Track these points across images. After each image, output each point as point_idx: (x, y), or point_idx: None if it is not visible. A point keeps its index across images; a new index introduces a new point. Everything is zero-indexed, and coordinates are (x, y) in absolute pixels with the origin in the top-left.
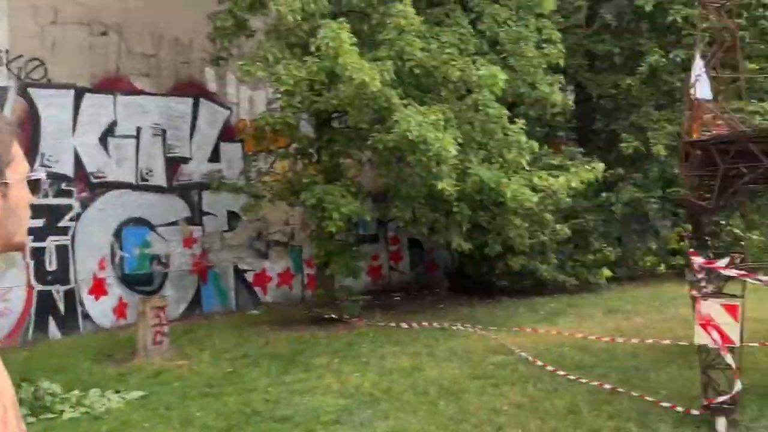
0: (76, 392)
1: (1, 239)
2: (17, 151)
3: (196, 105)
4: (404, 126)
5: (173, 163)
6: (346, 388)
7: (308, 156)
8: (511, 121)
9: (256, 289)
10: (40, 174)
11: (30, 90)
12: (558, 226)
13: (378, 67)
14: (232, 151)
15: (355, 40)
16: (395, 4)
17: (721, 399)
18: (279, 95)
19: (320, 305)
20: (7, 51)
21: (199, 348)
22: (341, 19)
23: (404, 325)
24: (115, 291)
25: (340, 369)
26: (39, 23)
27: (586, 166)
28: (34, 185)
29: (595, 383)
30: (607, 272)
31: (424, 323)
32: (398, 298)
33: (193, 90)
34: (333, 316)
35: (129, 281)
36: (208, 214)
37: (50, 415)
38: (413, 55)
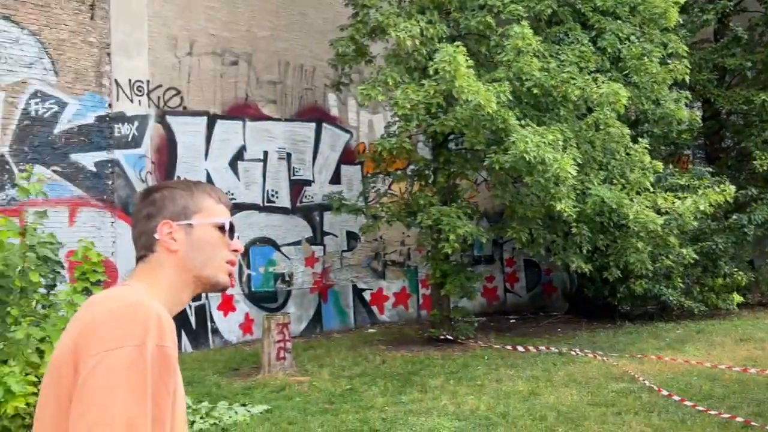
0: (205, 404)
1: (191, 270)
2: (209, 204)
3: (318, 129)
4: (521, 146)
5: (297, 185)
6: (461, 410)
7: (425, 177)
8: (634, 140)
9: (373, 308)
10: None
11: (168, 117)
12: (684, 250)
13: (495, 89)
14: (351, 173)
15: (471, 62)
16: (513, 26)
17: None
18: (397, 119)
19: (435, 325)
20: (148, 81)
21: (319, 365)
22: (458, 43)
23: (520, 349)
24: (242, 307)
25: (455, 390)
26: (177, 55)
27: (716, 188)
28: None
29: (726, 415)
30: (738, 298)
31: (541, 347)
32: (514, 320)
33: (315, 115)
34: (448, 336)
35: (255, 298)
36: (328, 234)
37: None
38: (532, 75)
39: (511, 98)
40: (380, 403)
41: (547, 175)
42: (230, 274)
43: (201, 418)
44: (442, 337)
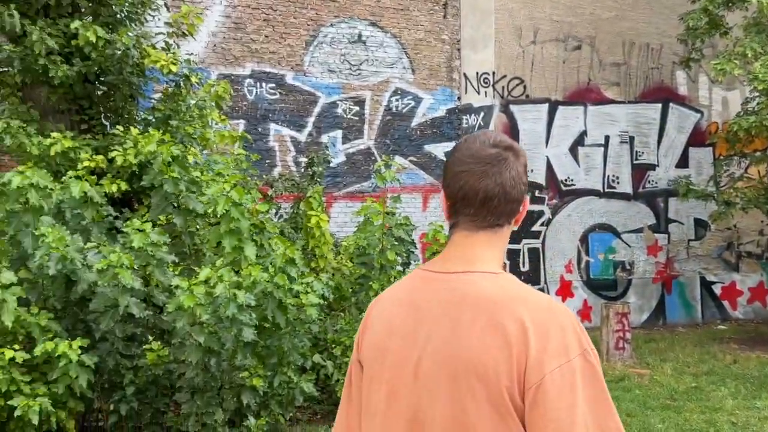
0: None
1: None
2: None
3: (664, 110)
4: None
5: (640, 170)
6: None
7: None
8: None
9: (724, 302)
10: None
11: (511, 106)
12: None
13: None
14: (701, 156)
15: None
16: None
17: None
18: (756, 94)
19: None
20: (493, 73)
21: (660, 358)
22: None
23: None
24: (581, 294)
25: None
26: (521, 44)
27: None
28: None
29: None
30: None
31: None
32: None
33: (662, 95)
34: None
35: (593, 285)
36: (673, 221)
37: None
38: None
39: None
40: (730, 406)
41: None
42: None
43: None
44: None
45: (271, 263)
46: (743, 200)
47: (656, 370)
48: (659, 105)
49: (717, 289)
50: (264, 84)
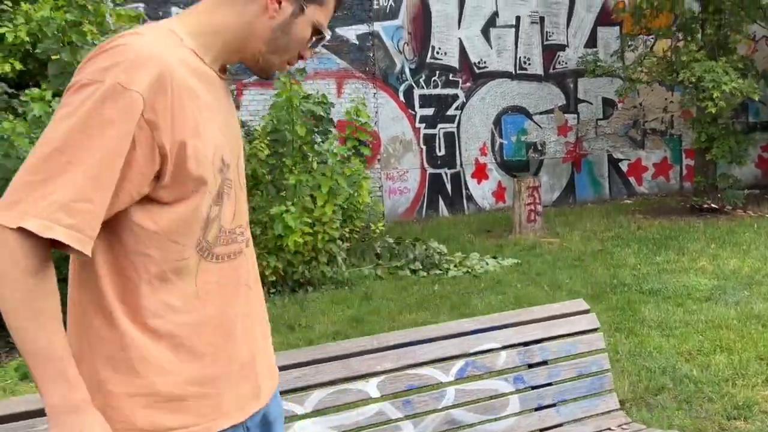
0: (459, 254)
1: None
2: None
3: None
4: None
5: (550, 51)
6: (722, 270)
7: (691, 31)
8: None
9: (631, 179)
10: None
11: None
12: None
13: None
14: (609, 35)
15: None
16: None
17: None
18: None
19: (698, 193)
20: None
21: (569, 228)
22: None
23: None
24: (495, 176)
25: (717, 254)
26: None
27: None
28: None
29: None
30: None
31: None
32: None
33: None
34: (713, 205)
35: (507, 167)
36: (583, 101)
37: (438, 271)
38: None
39: None
40: (632, 262)
41: None
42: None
43: (455, 266)
44: (705, 206)
45: None
46: (648, 75)
47: (565, 239)
48: None
49: (624, 166)
50: None
